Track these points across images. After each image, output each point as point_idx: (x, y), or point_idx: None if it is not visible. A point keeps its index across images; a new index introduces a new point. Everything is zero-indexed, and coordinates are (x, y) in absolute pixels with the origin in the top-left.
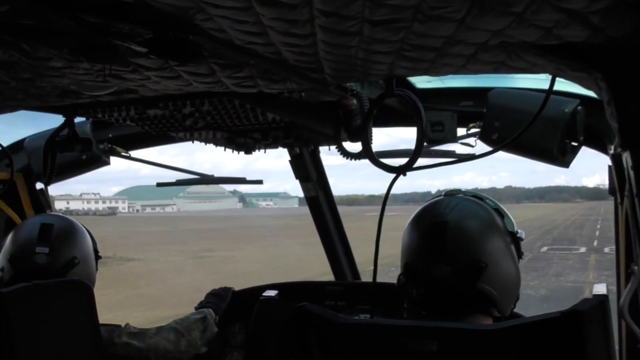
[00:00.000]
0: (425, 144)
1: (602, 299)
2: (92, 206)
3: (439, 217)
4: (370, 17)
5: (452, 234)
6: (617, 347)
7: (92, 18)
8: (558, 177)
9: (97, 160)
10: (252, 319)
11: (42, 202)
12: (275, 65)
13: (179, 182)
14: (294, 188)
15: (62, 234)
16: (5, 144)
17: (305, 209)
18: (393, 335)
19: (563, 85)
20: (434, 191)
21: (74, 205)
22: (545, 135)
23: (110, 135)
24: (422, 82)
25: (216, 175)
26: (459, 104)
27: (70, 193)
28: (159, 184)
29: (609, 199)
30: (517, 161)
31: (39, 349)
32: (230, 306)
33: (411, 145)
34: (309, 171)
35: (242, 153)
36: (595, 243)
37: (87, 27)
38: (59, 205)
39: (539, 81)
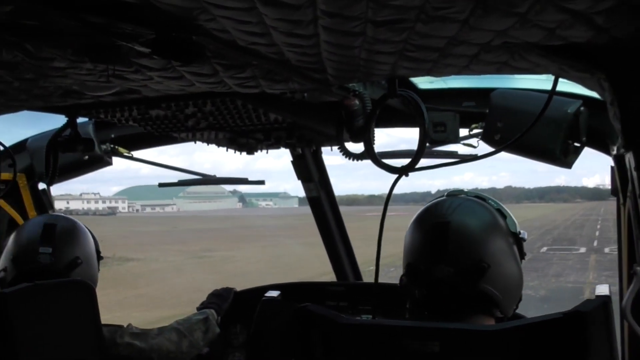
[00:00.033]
0: (427, 144)
1: (605, 300)
2: (92, 206)
3: (441, 218)
4: (374, 17)
5: (454, 235)
6: (619, 347)
7: (96, 18)
8: (558, 177)
9: (100, 161)
10: (255, 320)
11: (45, 202)
12: (278, 65)
13: (181, 183)
14: (294, 188)
15: (65, 234)
16: (5, 144)
17: (305, 209)
18: (395, 336)
19: (566, 85)
20: (433, 191)
21: (74, 205)
22: (548, 135)
23: (113, 136)
24: (424, 82)
25: (218, 175)
26: (462, 104)
27: (70, 193)
28: (161, 184)
29: (608, 199)
30: (517, 161)
31: (42, 349)
32: (232, 306)
33: (411, 145)
34: (311, 171)
35: (242, 153)
36: (595, 243)
37: (90, 28)
38: (58, 205)
39: (541, 81)
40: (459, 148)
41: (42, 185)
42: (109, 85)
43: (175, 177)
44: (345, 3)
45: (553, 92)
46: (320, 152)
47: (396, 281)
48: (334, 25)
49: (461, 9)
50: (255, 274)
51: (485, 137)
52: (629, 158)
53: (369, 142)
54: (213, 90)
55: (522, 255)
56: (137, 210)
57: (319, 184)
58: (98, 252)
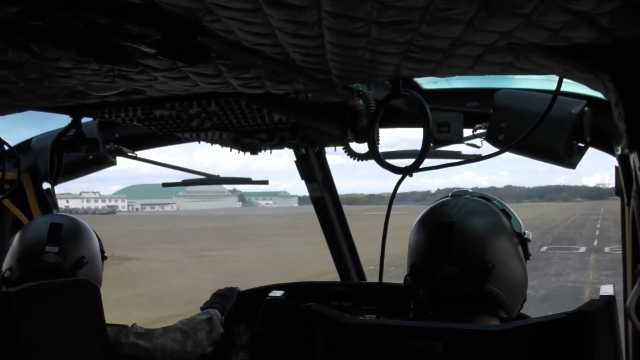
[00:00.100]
0: (431, 144)
1: (609, 300)
2: (92, 205)
3: (445, 218)
4: (378, 18)
5: (459, 235)
6: (623, 347)
7: (101, 19)
8: (558, 177)
9: (104, 161)
10: (259, 319)
11: (49, 201)
12: (282, 66)
13: (185, 182)
14: (294, 187)
15: (70, 233)
16: (10, 144)
17: (305, 208)
18: (399, 336)
19: (570, 86)
20: (433, 190)
21: (74, 204)
22: (552, 136)
23: (117, 136)
24: (428, 82)
25: (221, 175)
26: (465, 104)
27: (70, 192)
28: (165, 184)
29: (609, 198)
30: (517, 160)
31: (46, 348)
32: (236, 306)
33: (412, 144)
34: (314, 172)
35: (245, 153)
36: (595, 243)
37: (95, 28)
38: (58, 203)
39: (545, 82)
40: (463, 148)
41: (46, 185)
42: (113, 85)
43: (177, 176)
44: (350, 4)
45: (557, 92)
46: (324, 152)
47: (396, 281)
48: (338, 26)
49: (465, 10)
50: (255, 273)
51: (489, 138)
52: (634, 158)
53: (373, 142)
54: (217, 91)
55: (527, 255)
56: (137, 210)
57: (323, 184)
58: (102, 252)
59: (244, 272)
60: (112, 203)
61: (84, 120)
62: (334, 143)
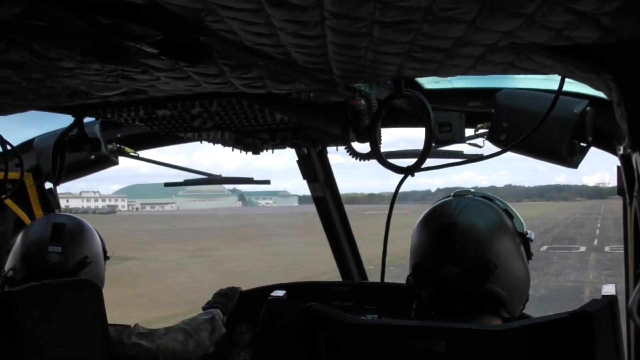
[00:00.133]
0: (433, 144)
1: (611, 300)
2: (92, 204)
3: (447, 218)
4: (381, 18)
5: (461, 235)
6: (625, 347)
7: (104, 19)
8: (558, 176)
9: (106, 160)
10: (260, 319)
11: (51, 201)
12: (284, 66)
13: (187, 182)
14: (294, 187)
15: (74, 233)
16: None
17: (305, 208)
18: (401, 336)
19: (572, 85)
20: (433, 190)
21: (74, 204)
22: (554, 135)
23: (119, 136)
24: (430, 82)
25: (223, 174)
26: (467, 104)
27: (70, 191)
28: (167, 184)
29: (609, 198)
30: (517, 160)
31: (48, 348)
32: (238, 306)
33: (411, 143)
34: (316, 171)
35: (247, 153)
36: (595, 242)
37: (98, 29)
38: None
39: (547, 81)
40: (465, 148)
41: (48, 185)
42: (116, 85)
43: (178, 176)
44: (352, 4)
45: (559, 92)
46: (326, 152)
47: (396, 280)
48: (340, 27)
49: (468, 9)
50: (255, 273)
51: (491, 137)
52: (636, 158)
53: (375, 142)
54: (219, 91)
55: (529, 255)
56: (137, 209)
57: (325, 184)
58: (105, 251)
59: (243, 272)
60: (112, 202)
61: (86, 120)
62: (336, 143)
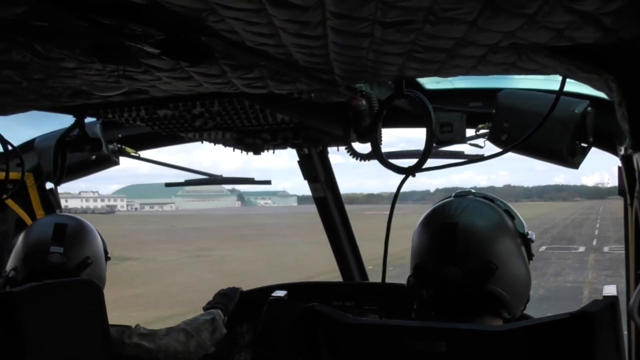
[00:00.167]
0: (434, 144)
1: (613, 301)
2: (91, 204)
3: (449, 219)
4: (382, 19)
5: (462, 236)
6: (626, 348)
7: (105, 19)
8: (557, 176)
9: (107, 160)
10: (261, 320)
11: (52, 202)
12: (286, 66)
13: (188, 182)
14: (293, 186)
15: (75, 234)
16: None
17: (304, 208)
18: (402, 336)
19: (573, 86)
20: (432, 190)
21: (73, 204)
22: (555, 136)
23: (120, 136)
24: (431, 82)
25: (224, 174)
26: (468, 104)
27: (69, 191)
28: (168, 184)
29: (608, 198)
30: (516, 160)
31: (49, 348)
32: (238, 306)
33: (411, 143)
34: (317, 172)
35: (248, 153)
36: (594, 242)
37: (100, 29)
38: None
39: (548, 82)
40: (466, 148)
41: (49, 185)
42: (117, 85)
43: (178, 176)
44: (354, 4)
45: (560, 92)
46: (327, 153)
47: (395, 281)
48: (342, 27)
49: (469, 10)
50: (254, 273)
51: (492, 138)
52: (637, 158)
53: (375, 143)
54: (221, 91)
55: (530, 256)
56: (136, 209)
57: (326, 184)
58: (106, 252)
59: (242, 272)
60: (111, 203)
61: (87, 120)
62: (337, 143)
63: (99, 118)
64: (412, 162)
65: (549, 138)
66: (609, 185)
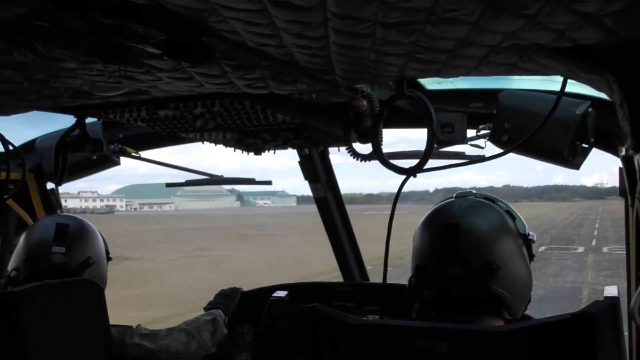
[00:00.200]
0: (435, 145)
1: (613, 301)
2: (90, 204)
3: (451, 219)
4: (384, 19)
5: (464, 236)
6: (627, 349)
7: (107, 20)
8: (556, 176)
9: (108, 161)
10: (262, 320)
11: (53, 202)
12: (287, 66)
13: (189, 183)
14: (293, 187)
15: (77, 234)
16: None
17: (303, 208)
18: (403, 336)
19: (574, 86)
20: (432, 190)
21: (72, 204)
22: (556, 137)
23: (121, 136)
24: (432, 83)
25: (225, 175)
26: (469, 105)
27: (68, 191)
28: (169, 185)
29: (607, 198)
30: (515, 160)
31: (50, 348)
32: (239, 307)
33: (410, 143)
34: (318, 172)
35: (249, 153)
36: (593, 243)
37: (101, 29)
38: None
39: (549, 82)
40: (467, 149)
41: (49, 185)
42: (118, 86)
43: (178, 175)
44: (355, 5)
45: (562, 93)
46: (328, 153)
47: (394, 280)
48: (343, 27)
49: (471, 10)
50: (253, 273)
51: (493, 138)
52: (638, 159)
53: (376, 143)
54: (222, 91)
55: (531, 256)
56: (135, 209)
57: (326, 185)
58: (107, 252)
59: (242, 272)
60: (111, 203)
61: (88, 120)
62: (338, 143)
63: (100, 118)
64: (413, 162)
65: (550, 139)
66: (608, 186)
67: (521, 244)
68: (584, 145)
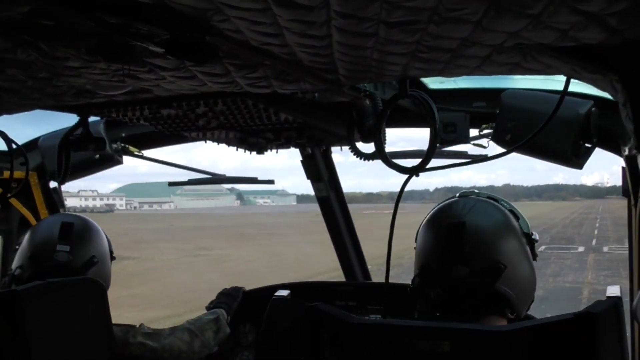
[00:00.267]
0: (437, 144)
1: (616, 301)
2: (90, 203)
3: (456, 218)
4: (387, 18)
5: (470, 235)
6: (629, 349)
7: (110, 18)
8: (556, 175)
9: (110, 160)
10: (265, 319)
11: (56, 200)
12: (290, 66)
13: (191, 182)
14: (292, 185)
15: (82, 233)
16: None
17: (303, 207)
18: (406, 336)
19: (577, 86)
20: (432, 189)
21: (71, 202)
22: (559, 136)
23: (124, 135)
24: (434, 82)
25: (224, 173)
26: (472, 104)
27: (68, 190)
28: (171, 184)
29: (607, 197)
30: (515, 159)
31: (53, 347)
32: (241, 306)
33: (410, 142)
34: (320, 171)
35: (252, 152)
36: (594, 242)
37: (105, 28)
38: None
39: (552, 82)
40: (469, 148)
41: (52, 184)
42: (121, 84)
43: (178, 174)
44: (359, 4)
45: (565, 92)
46: (330, 152)
47: (393, 280)
48: (347, 27)
49: (474, 10)
50: (254, 272)
51: (496, 138)
52: None
53: (379, 142)
54: (225, 90)
55: (534, 256)
56: (135, 208)
57: (329, 184)
58: (111, 251)
59: (241, 271)
60: (110, 201)
61: (91, 119)
62: (341, 143)
63: (102, 117)
64: (416, 162)
65: (553, 138)
66: (608, 185)
67: (525, 243)
68: (587, 144)
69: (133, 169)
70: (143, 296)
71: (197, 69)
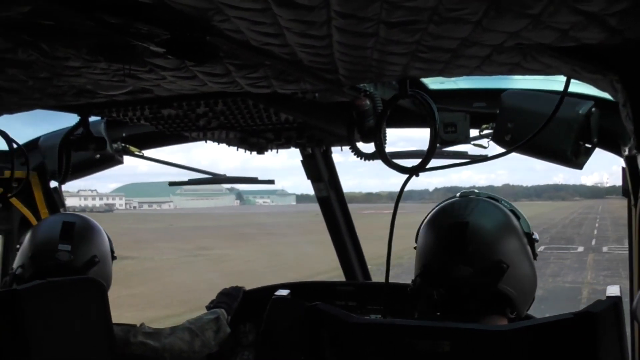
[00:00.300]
0: (437, 144)
1: (616, 301)
2: (89, 203)
3: (458, 218)
4: (387, 18)
5: (473, 235)
6: (629, 349)
7: (111, 18)
8: (556, 176)
9: (111, 159)
10: (265, 319)
11: (56, 200)
12: (290, 66)
13: (192, 182)
14: (292, 185)
15: (83, 232)
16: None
17: (303, 207)
18: (406, 336)
19: (577, 86)
20: (431, 189)
21: (71, 202)
22: (559, 136)
23: (124, 135)
24: (435, 83)
25: (223, 173)
26: (472, 105)
27: (67, 189)
28: (172, 183)
29: (606, 197)
30: (515, 159)
31: (53, 346)
32: (241, 305)
33: (410, 142)
34: (320, 171)
35: (252, 152)
36: (593, 242)
37: (106, 28)
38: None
39: (552, 82)
40: (469, 148)
41: (53, 184)
42: (122, 84)
43: (178, 174)
44: (359, 4)
45: (565, 93)
46: (330, 152)
47: (392, 279)
48: (347, 27)
49: (474, 10)
50: (253, 272)
51: (496, 138)
52: None
53: (379, 142)
54: (225, 90)
55: (535, 256)
56: (134, 207)
57: (329, 184)
58: (112, 251)
59: (241, 271)
60: (110, 201)
61: (91, 119)
62: (341, 143)
63: (103, 117)
64: (416, 162)
65: (553, 138)
66: (608, 185)
67: (526, 242)
68: (587, 145)
69: (133, 168)
70: (142, 296)
71: (197, 69)
